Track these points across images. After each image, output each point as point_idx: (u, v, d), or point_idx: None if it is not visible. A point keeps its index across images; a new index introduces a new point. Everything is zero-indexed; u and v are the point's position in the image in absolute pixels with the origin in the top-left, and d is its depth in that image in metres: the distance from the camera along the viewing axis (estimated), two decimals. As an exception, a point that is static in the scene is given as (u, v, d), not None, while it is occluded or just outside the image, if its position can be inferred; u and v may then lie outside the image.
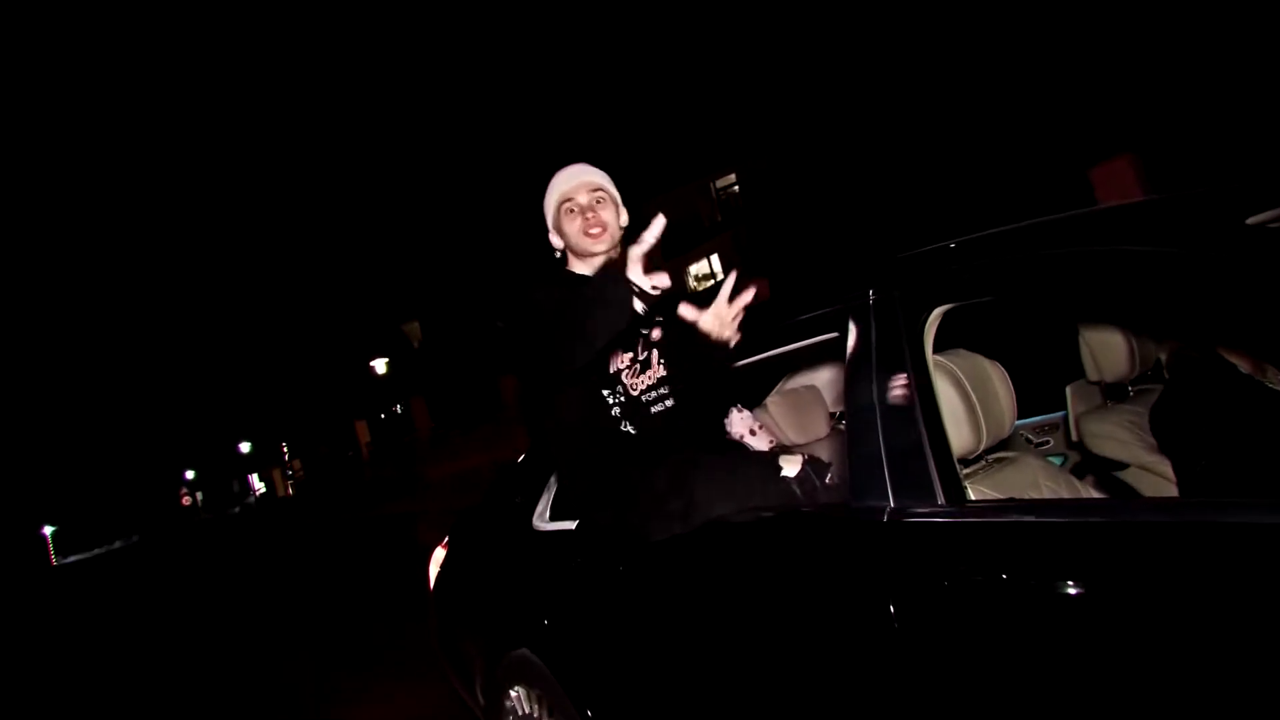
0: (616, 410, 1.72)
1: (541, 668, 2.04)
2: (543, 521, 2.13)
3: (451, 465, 16.06)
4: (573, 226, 1.78)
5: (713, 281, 21.89)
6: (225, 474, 54.94)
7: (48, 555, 56.95)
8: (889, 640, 1.16)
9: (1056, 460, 2.06)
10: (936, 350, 1.47)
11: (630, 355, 1.76)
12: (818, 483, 1.52)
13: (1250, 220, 1.10)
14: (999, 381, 1.53)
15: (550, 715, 2.08)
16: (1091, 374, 1.83)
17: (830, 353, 2.37)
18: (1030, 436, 2.18)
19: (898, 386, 1.31)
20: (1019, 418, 2.20)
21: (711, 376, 1.71)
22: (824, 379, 2.68)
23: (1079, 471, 1.93)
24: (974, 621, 1.07)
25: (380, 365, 22.97)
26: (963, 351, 1.55)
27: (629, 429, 1.71)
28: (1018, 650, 1.03)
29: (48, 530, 58.59)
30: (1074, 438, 1.85)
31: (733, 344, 1.57)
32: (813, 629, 1.30)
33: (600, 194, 1.81)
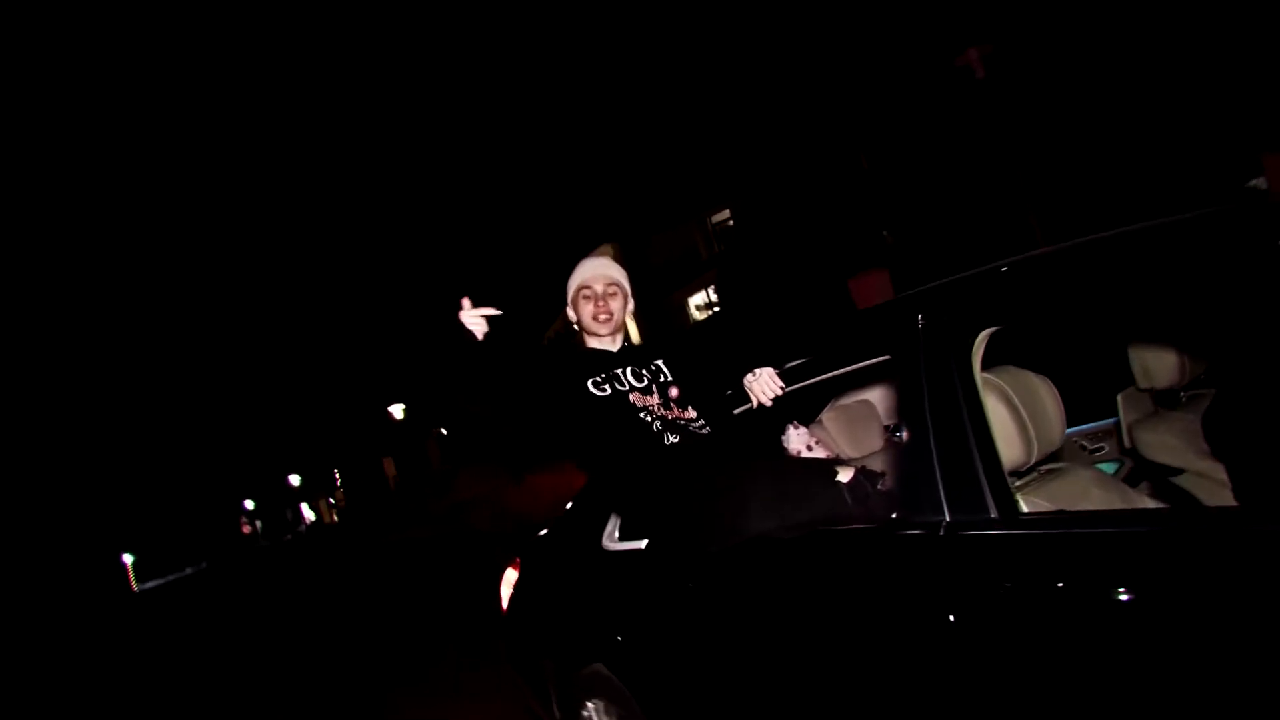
0: (657, 425, 1.94)
1: (615, 682, 2.14)
2: (612, 541, 2.24)
3: (458, 495, 18.79)
4: (585, 310, 2.15)
5: (711, 312, 22.94)
6: (279, 504, 57.32)
7: (128, 581, 59.25)
8: (952, 649, 1.23)
9: (1110, 468, 2.09)
10: (986, 368, 1.54)
11: (642, 390, 2.03)
12: (869, 489, 1.55)
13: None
14: (1047, 395, 1.59)
15: (625, 727, 2.18)
16: (1142, 381, 1.87)
17: (882, 372, 2.45)
18: (1085, 444, 2.21)
19: (948, 406, 1.39)
20: (1073, 426, 2.24)
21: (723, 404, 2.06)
22: (877, 394, 2.74)
23: (1134, 478, 1.96)
24: (1031, 630, 1.14)
25: (398, 411, 26.71)
26: (1011, 368, 1.62)
27: (672, 439, 1.91)
28: (1074, 656, 1.10)
29: (128, 558, 61.00)
30: (1127, 444, 1.88)
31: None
32: (878, 641, 1.38)
33: (614, 287, 2.17)
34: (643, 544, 2.08)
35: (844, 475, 1.60)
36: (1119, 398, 1.92)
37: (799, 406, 2.49)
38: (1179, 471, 1.75)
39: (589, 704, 2.32)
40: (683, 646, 1.89)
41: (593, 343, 2.21)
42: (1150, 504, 1.60)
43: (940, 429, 1.38)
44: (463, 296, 1.94)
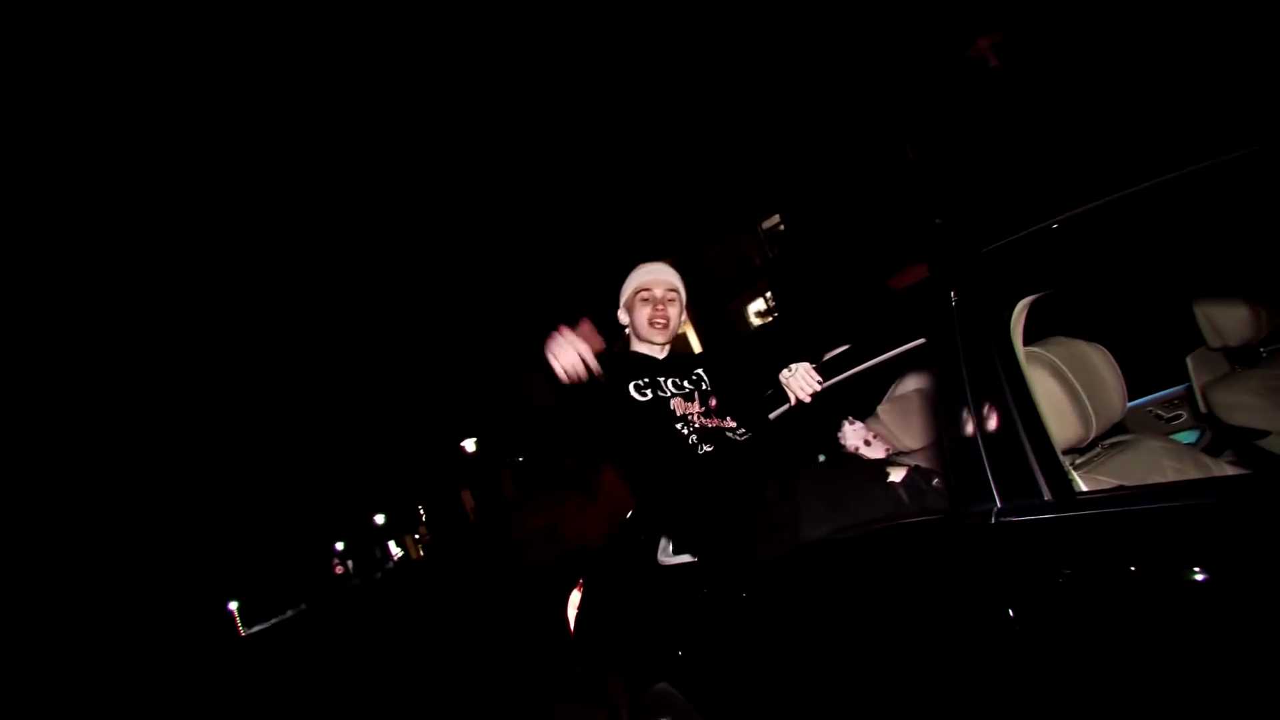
0: (694, 437, 1.89)
1: (681, 699, 2.09)
2: (666, 556, 2.20)
3: (533, 522, 19.04)
4: (642, 313, 2.12)
5: (771, 317, 22.86)
6: (368, 543, 59.62)
7: (236, 628, 62.01)
8: (1013, 644, 1.15)
9: (1190, 436, 1.94)
10: (1033, 340, 1.44)
11: (684, 396, 2.00)
12: (924, 485, 1.51)
13: None
14: (1103, 364, 1.48)
15: (698, 745, 2.12)
16: (1213, 340, 1.72)
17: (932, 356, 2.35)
18: (1160, 413, 2.06)
19: (989, 384, 1.30)
20: (1144, 395, 2.09)
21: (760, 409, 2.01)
22: (931, 380, 2.63)
23: (1216, 446, 1.80)
24: (1096, 617, 1.05)
25: (470, 444, 28.37)
26: (1061, 339, 1.51)
27: (707, 449, 1.87)
28: (1145, 644, 1.00)
29: (233, 606, 63.93)
30: (1203, 410, 1.74)
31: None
32: (938, 640, 1.30)
33: (673, 293, 2.15)
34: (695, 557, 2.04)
35: (896, 475, 1.55)
36: (1189, 360, 1.77)
37: (856, 400, 2.41)
38: (1264, 434, 1.60)
39: (659, 723, 2.27)
40: (741, 658, 1.83)
41: (640, 348, 2.18)
42: (1232, 473, 1.46)
43: (983, 410, 1.29)
44: (583, 319, 1.75)
